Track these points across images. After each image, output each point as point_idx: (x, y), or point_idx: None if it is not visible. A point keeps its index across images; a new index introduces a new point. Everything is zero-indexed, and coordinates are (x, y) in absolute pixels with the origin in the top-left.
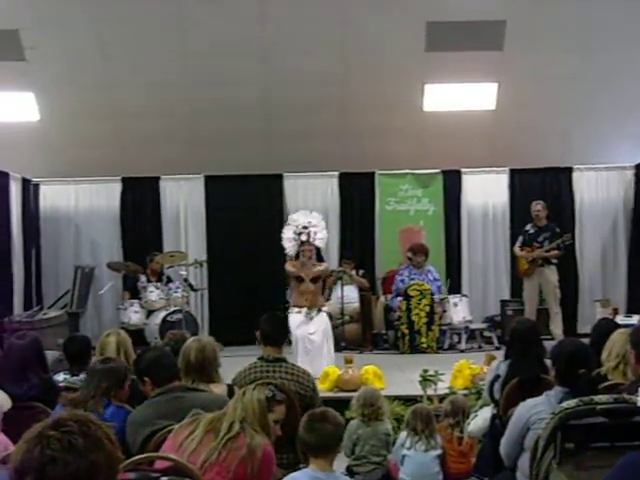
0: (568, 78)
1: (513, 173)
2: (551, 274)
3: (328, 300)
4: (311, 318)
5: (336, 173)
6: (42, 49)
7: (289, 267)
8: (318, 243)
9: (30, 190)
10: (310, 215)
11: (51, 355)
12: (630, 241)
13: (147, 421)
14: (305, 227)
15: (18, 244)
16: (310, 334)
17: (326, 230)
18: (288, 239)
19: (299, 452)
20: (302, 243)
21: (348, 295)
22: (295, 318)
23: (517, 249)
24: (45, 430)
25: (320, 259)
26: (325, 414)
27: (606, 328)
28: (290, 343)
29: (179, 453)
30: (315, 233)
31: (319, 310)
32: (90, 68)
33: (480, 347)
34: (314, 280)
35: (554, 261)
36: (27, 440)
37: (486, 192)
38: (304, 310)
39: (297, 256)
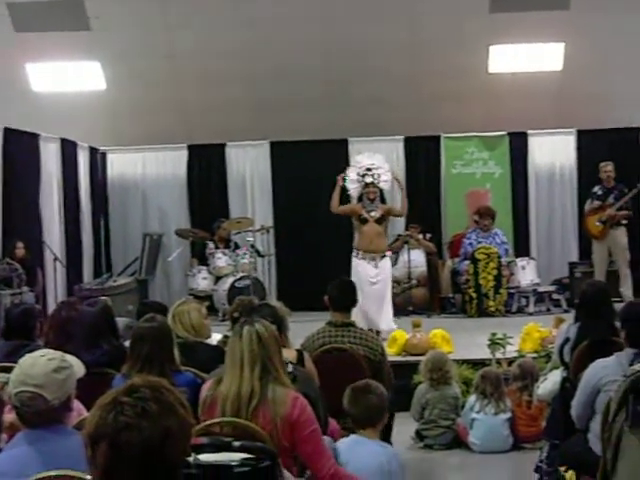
0: (636, 37)
1: (580, 134)
2: (621, 236)
3: (395, 242)
4: (375, 265)
5: (401, 137)
6: (107, 18)
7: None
8: (382, 185)
9: (98, 159)
10: (374, 157)
11: (121, 322)
12: None
13: None
14: (369, 169)
15: (87, 212)
16: (372, 280)
17: (390, 172)
18: (352, 181)
19: None
20: (366, 185)
21: (415, 259)
22: (357, 264)
23: (587, 212)
24: (119, 396)
25: (383, 201)
26: (368, 386)
27: None
28: None
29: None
30: (379, 175)
31: (383, 256)
32: (155, 36)
33: (548, 310)
34: (379, 221)
35: (624, 222)
36: (101, 406)
37: (553, 154)
38: (367, 256)
39: (360, 198)
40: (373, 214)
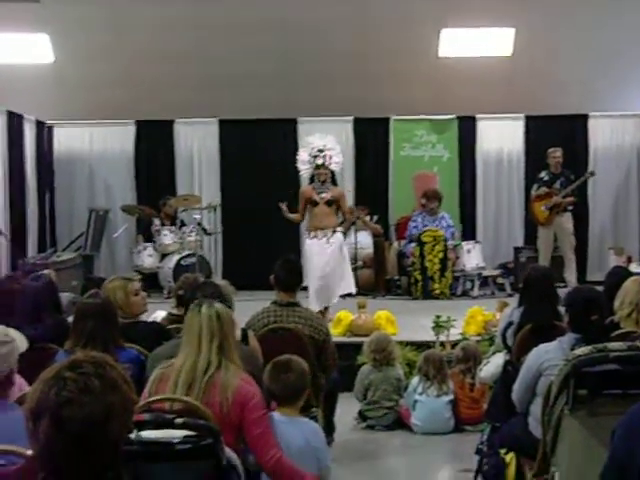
0: (586, 24)
1: (529, 120)
2: (567, 221)
3: (342, 223)
4: (327, 240)
5: (351, 118)
6: None
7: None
8: (334, 167)
9: (44, 132)
10: (326, 138)
11: (65, 297)
12: None
13: (164, 359)
14: (320, 150)
15: (32, 186)
16: (326, 256)
17: (342, 154)
18: (302, 161)
19: (311, 395)
20: (317, 167)
21: (361, 241)
22: (309, 244)
23: (534, 197)
24: (61, 371)
25: (334, 183)
26: (289, 363)
27: (619, 276)
28: (305, 289)
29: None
30: (331, 157)
31: (334, 231)
32: (105, 10)
33: (493, 294)
34: (328, 203)
35: (569, 208)
36: (43, 381)
37: (501, 139)
38: (319, 233)
39: (312, 179)
40: (323, 196)
